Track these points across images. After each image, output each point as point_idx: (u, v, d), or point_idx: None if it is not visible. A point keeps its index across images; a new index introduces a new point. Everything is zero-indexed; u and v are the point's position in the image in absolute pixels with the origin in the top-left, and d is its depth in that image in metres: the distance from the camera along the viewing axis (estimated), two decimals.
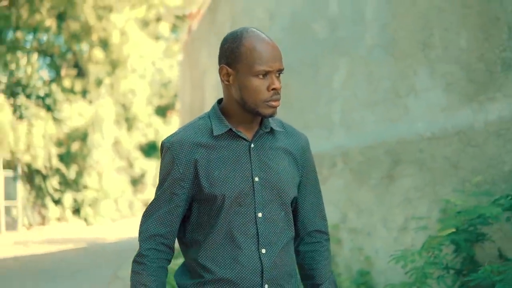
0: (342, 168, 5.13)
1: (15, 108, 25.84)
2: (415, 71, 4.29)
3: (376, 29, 4.73)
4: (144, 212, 2.12)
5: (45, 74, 29.66)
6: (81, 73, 28.08)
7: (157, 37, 30.02)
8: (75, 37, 23.54)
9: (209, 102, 9.07)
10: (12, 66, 26.45)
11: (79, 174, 26.47)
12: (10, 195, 23.16)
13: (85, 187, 26.23)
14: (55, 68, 28.69)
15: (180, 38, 23.91)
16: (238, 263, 2.02)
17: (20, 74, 27.25)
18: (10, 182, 23.31)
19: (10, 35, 24.68)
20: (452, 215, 3.38)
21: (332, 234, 5.19)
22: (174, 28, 31.33)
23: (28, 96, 27.13)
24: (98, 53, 25.51)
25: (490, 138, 3.65)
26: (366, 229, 4.78)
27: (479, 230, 3.41)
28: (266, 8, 6.76)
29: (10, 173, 23.42)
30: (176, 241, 2.16)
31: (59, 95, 28.18)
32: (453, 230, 3.14)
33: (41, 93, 27.77)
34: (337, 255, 5.19)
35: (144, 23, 29.27)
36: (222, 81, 2.05)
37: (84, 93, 28.50)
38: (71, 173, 26.71)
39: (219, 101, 2.13)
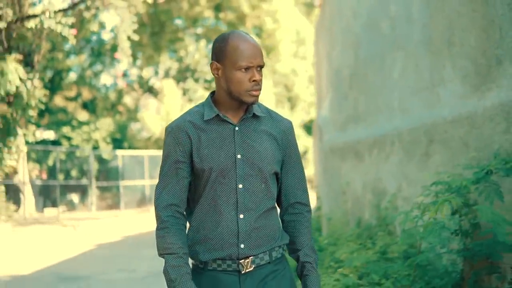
0: (398, 147, 5.97)
1: (184, 92, 28.11)
2: (444, 65, 5.06)
3: (420, 28, 5.52)
4: (156, 187, 2.38)
5: None
6: None
7: None
8: (232, 26, 25.08)
9: (324, 88, 10.00)
10: (181, 53, 28.60)
11: None
12: None
13: None
14: None
15: None
16: (219, 225, 2.29)
17: (188, 60, 29.39)
18: None
19: (180, 24, 26.68)
20: (436, 188, 4.19)
21: (391, 202, 6.08)
22: None
23: (196, 80, 29.30)
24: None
25: (486, 121, 4.39)
26: (413, 198, 5.62)
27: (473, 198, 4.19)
28: (351, 7, 7.65)
29: None
30: None
31: None
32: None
33: (208, 77, 29.83)
34: (395, 220, 6.05)
35: (309, 6, 30.15)
36: (213, 74, 2.34)
37: None
38: None
39: (213, 93, 2.42)
